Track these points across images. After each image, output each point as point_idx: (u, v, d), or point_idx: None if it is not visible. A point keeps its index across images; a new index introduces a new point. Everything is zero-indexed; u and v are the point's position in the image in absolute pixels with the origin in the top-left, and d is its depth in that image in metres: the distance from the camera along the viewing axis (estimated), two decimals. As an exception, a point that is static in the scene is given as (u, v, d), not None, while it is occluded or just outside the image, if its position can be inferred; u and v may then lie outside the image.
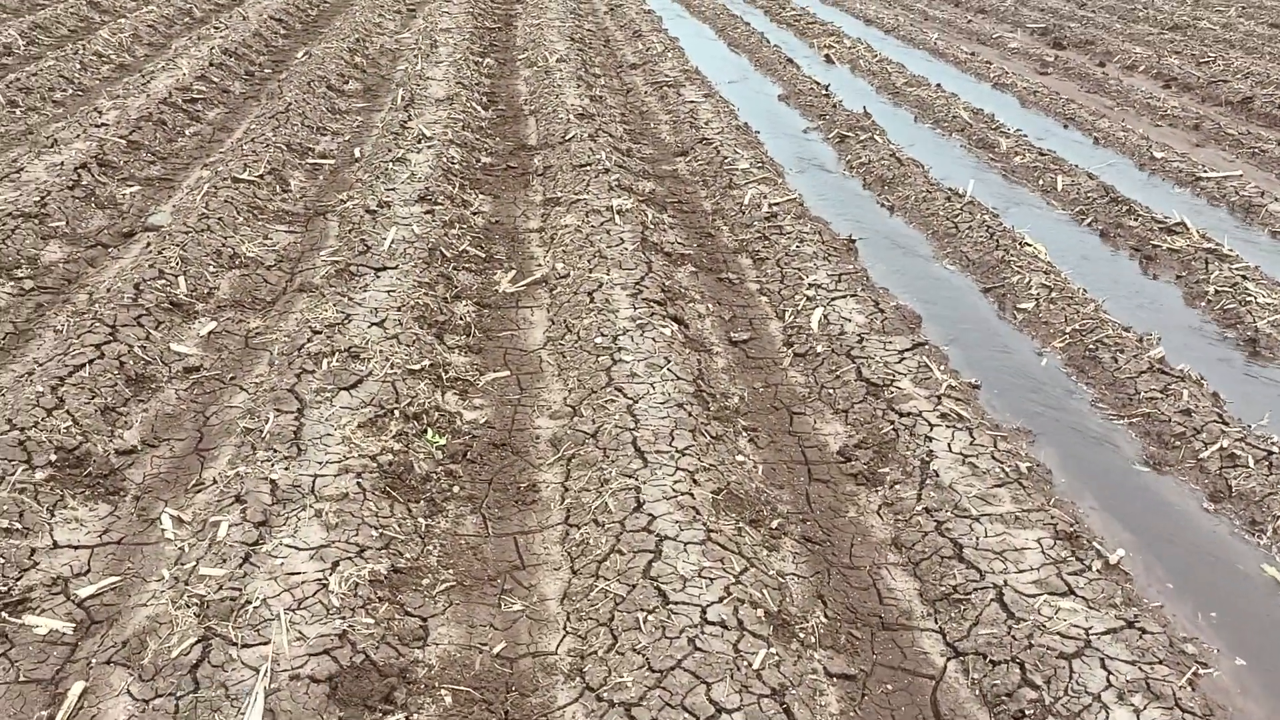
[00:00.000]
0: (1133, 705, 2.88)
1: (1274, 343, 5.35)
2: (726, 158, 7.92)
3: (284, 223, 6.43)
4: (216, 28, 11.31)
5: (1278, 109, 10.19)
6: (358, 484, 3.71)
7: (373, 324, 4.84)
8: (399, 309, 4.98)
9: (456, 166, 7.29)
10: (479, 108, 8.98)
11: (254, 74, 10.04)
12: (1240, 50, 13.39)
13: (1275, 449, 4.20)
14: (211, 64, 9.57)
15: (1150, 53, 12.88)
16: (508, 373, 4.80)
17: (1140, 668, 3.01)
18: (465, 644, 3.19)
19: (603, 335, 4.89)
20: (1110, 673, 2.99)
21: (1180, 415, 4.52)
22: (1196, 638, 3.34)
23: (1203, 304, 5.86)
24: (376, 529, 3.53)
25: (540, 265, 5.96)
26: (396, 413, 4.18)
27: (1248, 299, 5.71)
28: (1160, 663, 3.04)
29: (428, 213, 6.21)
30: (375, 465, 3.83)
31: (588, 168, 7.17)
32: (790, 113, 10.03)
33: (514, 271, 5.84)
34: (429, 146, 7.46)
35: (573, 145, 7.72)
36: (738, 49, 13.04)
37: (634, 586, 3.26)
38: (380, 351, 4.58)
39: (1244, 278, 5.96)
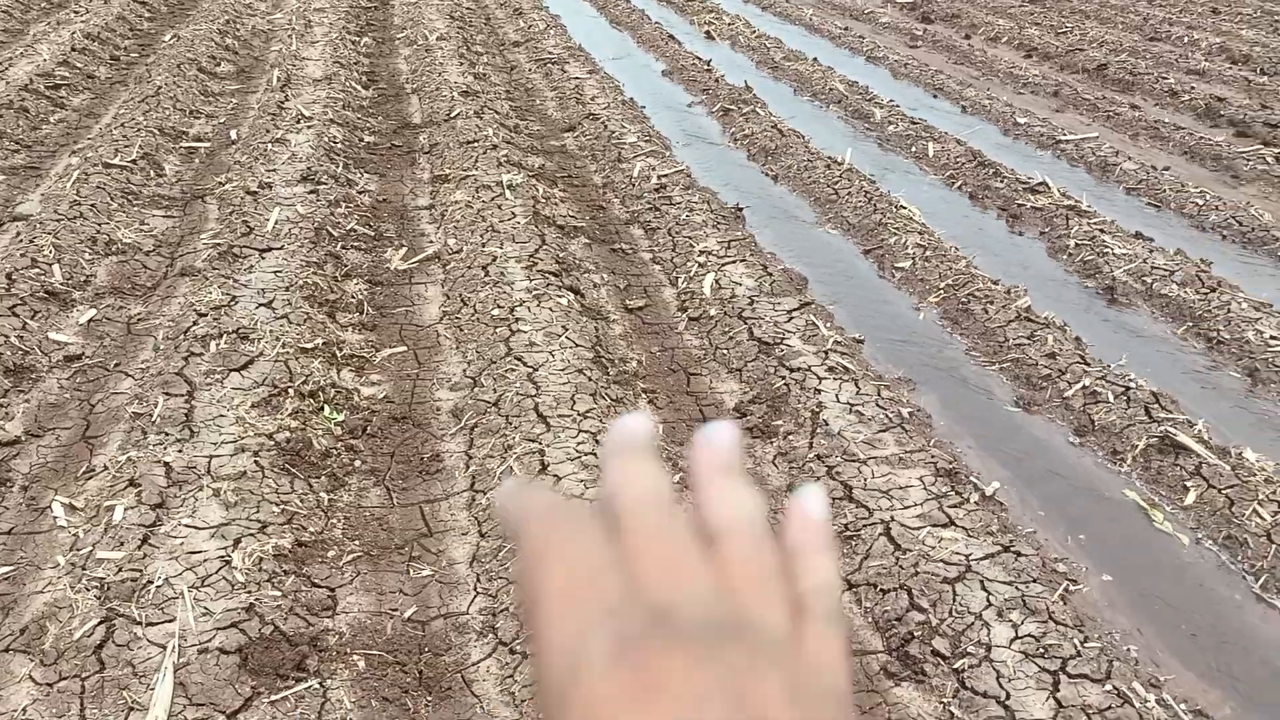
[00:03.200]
0: (1011, 621, 3.10)
1: (1130, 289, 5.70)
2: (614, 132, 8.01)
3: (160, 207, 6.28)
4: (77, 11, 10.88)
5: (1130, 75, 10.76)
6: (255, 462, 3.70)
7: (260, 305, 4.79)
8: (287, 289, 4.94)
9: (339, 146, 7.21)
10: (359, 87, 8.87)
11: (120, 58, 9.69)
12: (1095, 21, 14.05)
13: (1132, 385, 4.50)
14: (74, 49, 9.22)
15: (1012, 25, 13.41)
16: (404, 348, 4.82)
17: (1016, 587, 3.23)
18: (376, 611, 3.24)
19: (499, 307, 4.94)
20: (989, 593, 3.20)
21: (1046, 359, 4.81)
22: (1067, 558, 3.59)
23: (1064, 257, 6.20)
24: (278, 505, 3.53)
25: (432, 242, 5.97)
26: (291, 391, 4.16)
27: (1105, 250, 6.07)
28: (1034, 581, 3.27)
29: (311, 193, 6.14)
30: (273, 443, 3.82)
31: (475, 144, 7.18)
32: (674, 88, 10.16)
33: (405, 249, 5.83)
34: (309, 127, 7.35)
35: (459, 122, 7.70)
36: (619, 26, 13.12)
37: (541, 543, 3.34)
38: (270, 332, 4.54)
39: (1101, 231, 6.32)
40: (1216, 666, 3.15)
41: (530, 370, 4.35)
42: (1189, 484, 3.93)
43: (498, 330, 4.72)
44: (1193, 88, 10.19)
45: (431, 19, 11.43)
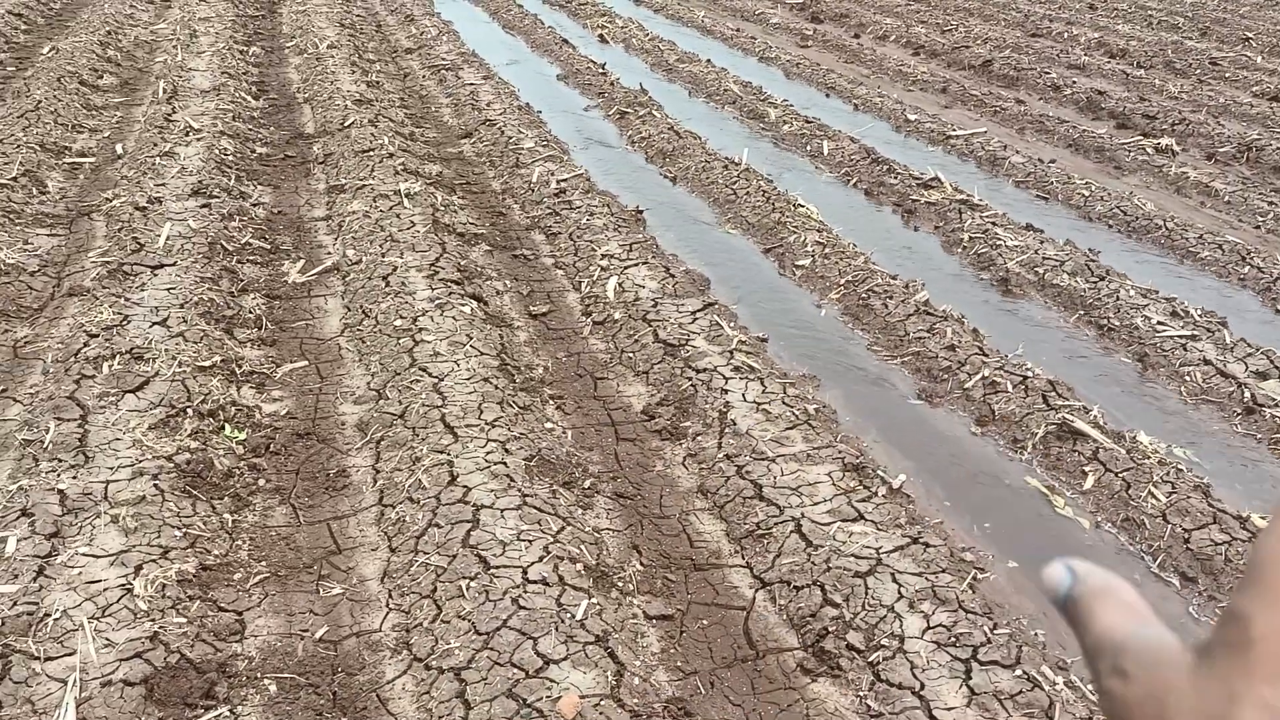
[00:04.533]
0: (922, 611, 3.15)
1: (1023, 280, 5.88)
2: (511, 138, 7.95)
3: (44, 226, 6.01)
4: (-58, 22, 10.36)
5: (1014, 71, 11.11)
6: (154, 486, 3.57)
7: (154, 323, 4.62)
8: (182, 306, 4.77)
9: (231, 158, 7.00)
10: (249, 97, 8.63)
11: (-8, 71, 9.26)
12: (979, 18, 14.49)
13: (1029, 374, 4.64)
14: (-59, 61, 8.78)
15: (899, 23, 13.73)
16: (306, 362, 4.70)
17: (926, 578, 3.29)
18: (285, 633, 3.15)
19: (402, 318, 4.86)
20: (900, 585, 3.26)
21: (946, 351, 4.92)
22: (973, 547, 3.68)
23: (959, 250, 6.37)
24: (179, 529, 3.41)
25: (330, 253, 5.84)
26: (190, 411, 4.03)
27: (998, 243, 6.25)
28: (943, 571, 3.34)
29: (204, 206, 5.95)
30: (172, 465, 3.69)
31: (371, 153, 7.05)
32: (570, 92, 10.14)
33: (303, 261, 5.69)
34: (198, 139, 7.13)
35: (353, 131, 7.56)
36: (513, 31, 13.04)
37: (454, 557, 3.30)
38: (165, 350, 4.39)
39: (993, 224, 6.51)
40: (1117, 643, 3.26)
41: (435, 380, 4.29)
42: (1087, 469, 4.06)
43: (401, 341, 4.64)
44: (1074, 82, 10.57)
45: (321, 27, 11.20)
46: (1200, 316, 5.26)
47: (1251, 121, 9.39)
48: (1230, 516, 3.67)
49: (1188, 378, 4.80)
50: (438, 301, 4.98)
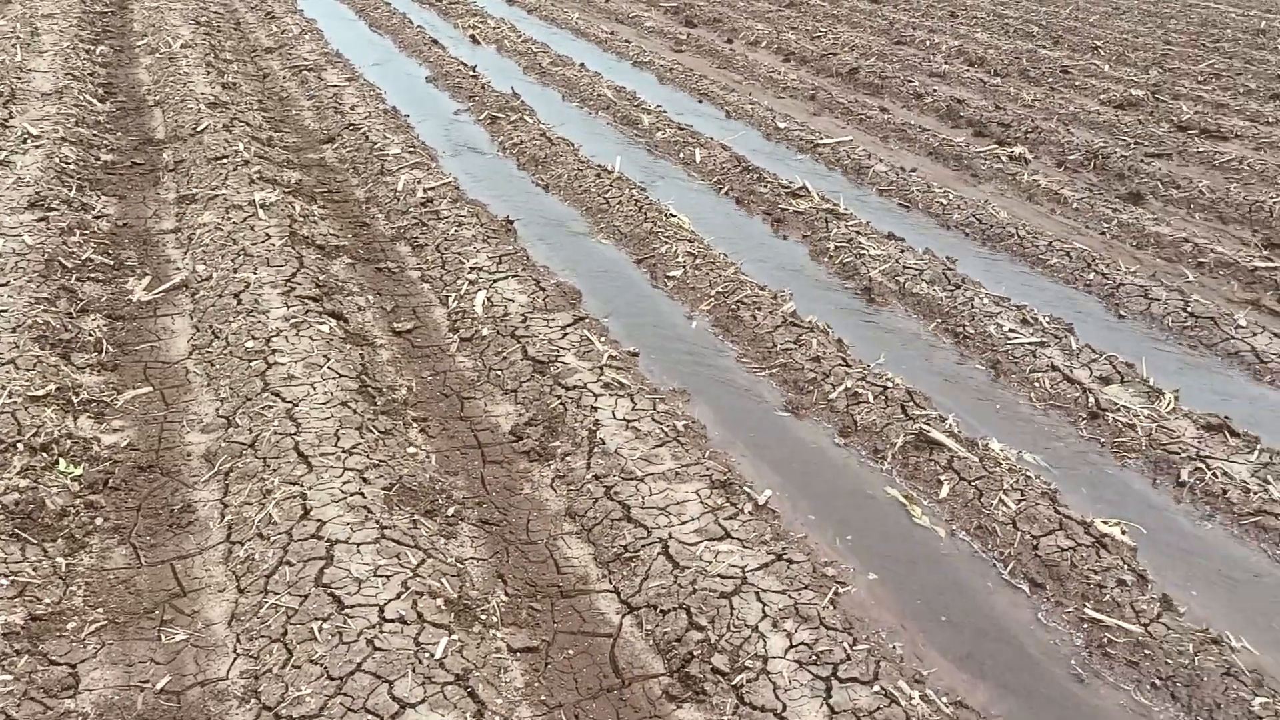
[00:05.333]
0: (785, 631, 3.17)
1: (885, 290, 6.00)
2: (376, 143, 7.76)
3: None
4: None
5: (879, 79, 11.38)
6: (-21, 530, 3.33)
7: (-17, 349, 4.33)
8: (13, 330, 4.48)
9: (72, 167, 6.64)
10: (95, 100, 8.21)
11: None
12: (846, 25, 14.81)
13: (890, 384, 4.73)
14: None
15: (771, 29, 13.93)
16: (150, 389, 4.47)
17: (789, 595, 3.31)
18: (124, 685, 2.97)
19: (254, 339, 4.67)
20: (764, 604, 3.27)
21: (811, 362, 4.98)
22: (836, 561, 3.72)
23: (826, 259, 6.47)
24: (6, 577, 3.19)
25: (179, 269, 5.57)
26: (20, 446, 3.78)
27: (862, 252, 6.37)
28: (806, 588, 3.36)
29: (40, 220, 5.61)
30: (-1, 506, 3.45)
31: (225, 160, 6.78)
32: (439, 95, 9.96)
33: (149, 278, 5.42)
34: (37, 146, 6.73)
35: (206, 137, 7.26)
36: (380, 30, 12.75)
37: (306, 596, 3.17)
38: (-5, 379, 4.11)
39: (858, 233, 6.63)
40: (972, 655, 3.33)
41: (289, 406, 4.13)
42: (943, 478, 4.15)
43: (253, 364, 4.46)
44: (935, 90, 10.89)
45: (175, 25, 10.74)
46: (1049, 323, 5.46)
47: (1099, 129, 9.82)
48: (1075, 522, 3.80)
49: (1037, 384, 4.97)
50: (293, 320, 4.80)
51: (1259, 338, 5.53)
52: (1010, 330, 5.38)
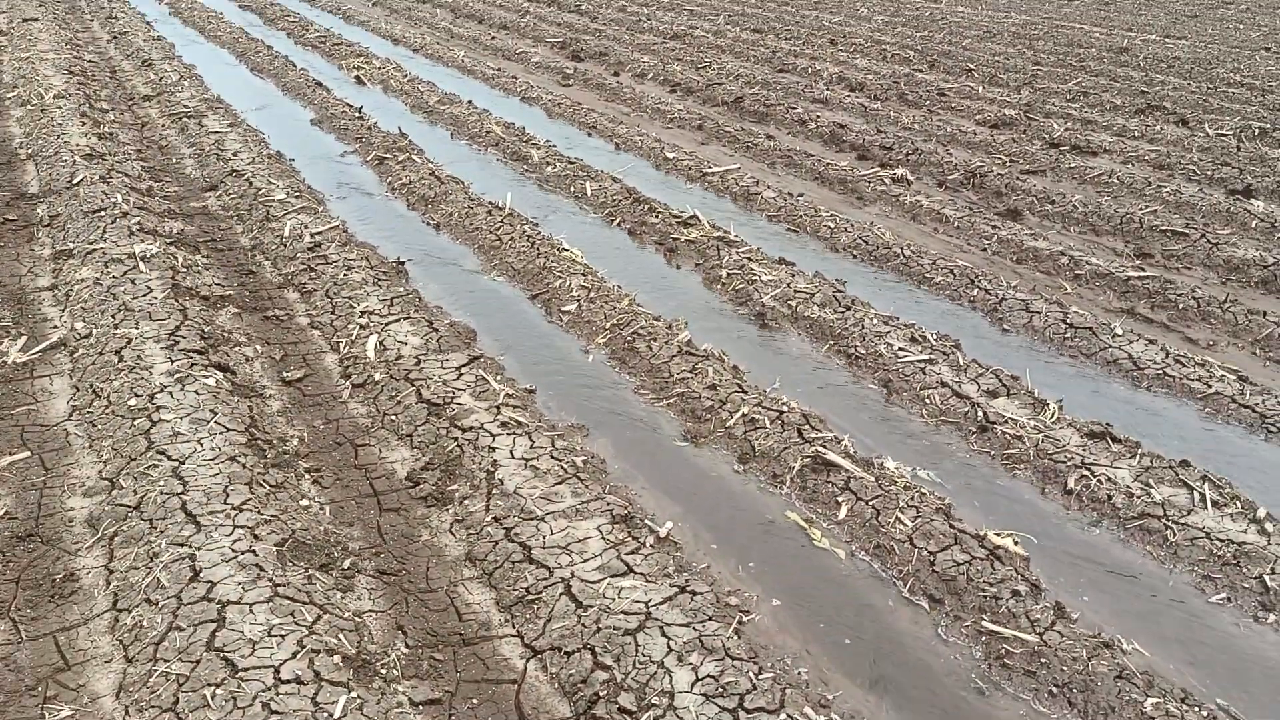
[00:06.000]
0: (690, 664, 3.17)
1: (778, 314, 6.10)
2: (261, 189, 7.61)
3: None
4: None
5: (764, 106, 11.61)
6: None
7: None
8: (-126, 400, 4.26)
9: (-64, 225, 6.35)
10: (-41, 155, 7.88)
11: None
12: (730, 54, 15.09)
13: (786, 408, 4.79)
14: None
15: (657, 60, 14.12)
16: (28, 454, 4.28)
17: (694, 628, 3.32)
18: (3, 771, 2.82)
19: (137, 396, 4.51)
20: (669, 639, 3.27)
21: (708, 390, 5.02)
22: (739, 589, 3.74)
23: (719, 287, 6.55)
24: None
25: (56, 327, 5.36)
26: (-117, 523, 3.58)
27: (754, 278, 6.46)
28: (710, 619, 3.37)
29: (-98, 283, 5.36)
30: None
31: (103, 213, 6.56)
32: (325, 137, 9.82)
33: (24, 338, 5.20)
34: (-104, 205, 6.43)
35: (82, 189, 7.02)
36: (262, 74, 12.54)
37: (198, 662, 3.06)
38: None
39: (750, 260, 6.73)
40: (875, 675, 3.38)
41: (176, 464, 4.00)
42: (840, 499, 4.22)
43: (136, 422, 4.31)
44: (819, 116, 11.15)
45: (47, 75, 10.40)
46: (936, 340, 5.60)
47: (976, 149, 10.17)
48: (970, 536, 3.90)
49: (928, 401, 5.10)
50: (178, 375, 4.66)
51: (1135, 345, 5.76)
52: (900, 349, 5.51)
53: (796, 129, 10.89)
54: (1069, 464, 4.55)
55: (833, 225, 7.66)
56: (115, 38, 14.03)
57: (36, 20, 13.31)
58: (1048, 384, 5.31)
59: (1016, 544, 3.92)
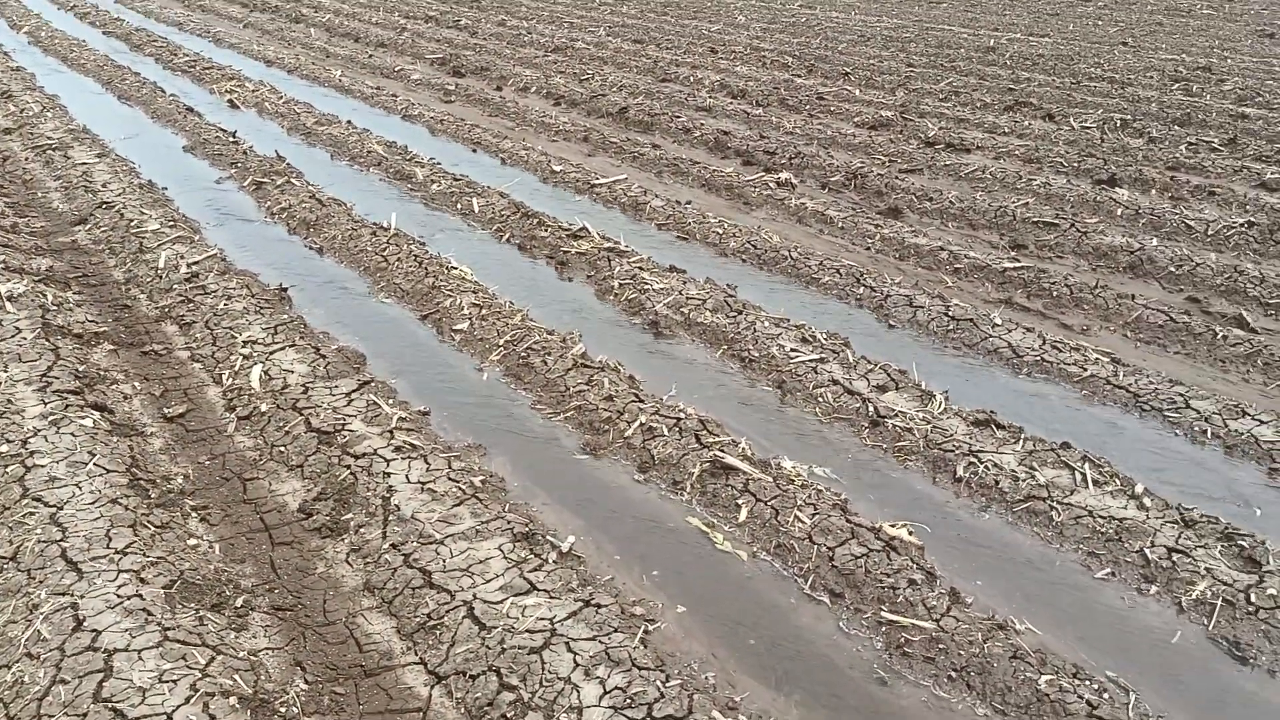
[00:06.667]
0: (598, 678, 3.16)
1: (671, 322, 6.14)
2: (133, 220, 7.35)
3: None
4: None
5: (649, 116, 11.69)
6: None
7: None
8: None
9: None
10: None
11: None
12: (612, 66, 15.15)
13: (683, 415, 4.82)
14: None
15: (539, 74, 14.10)
16: (-113, 510, 4.04)
17: (600, 641, 3.31)
18: None
19: (9, 442, 4.31)
20: (575, 654, 3.25)
21: (605, 402, 5.03)
22: (644, 599, 3.74)
23: (611, 297, 6.56)
24: None
25: (-86, 375, 5.09)
26: None
27: (646, 287, 6.49)
28: (616, 631, 3.37)
29: None
30: None
31: (-39, 253, 6.25)
32: (199, 163, 9.54)
33: (-121, 388, 4.92)
34: None
35: (-63, 229, 6.68)
36: (130, 101, 12.12)
37: (85, 715, 2.93)
38: None
39: (641, 269, 6.77)
40: (780, 673, 3.42)
41: (53, 510, 3.82)
42: (740, 501, 4.26)
43: (9, 469, 4.11)
44: (703, 123, 11.28)
45: (-107, 107, 9.88)
46: (826, 339, 5.71)
47: (856, 150, 10.41)
48: (866, 529, 3.98)
49: (820, 399, 5.19)
50: (52, 417, 4.47)
51: (1014, 333, 5.97)
52: (792, 350, 5.60)
53: (682, 137, 10.99)
54: (957, 452, 4.68)
55: (721, 231, 7.75)
56: (-30, 69, 13.40)
57: (-118, 53, 12.64)
58: (934, 376, 5.46)
59: (911, 534, 4.02)
